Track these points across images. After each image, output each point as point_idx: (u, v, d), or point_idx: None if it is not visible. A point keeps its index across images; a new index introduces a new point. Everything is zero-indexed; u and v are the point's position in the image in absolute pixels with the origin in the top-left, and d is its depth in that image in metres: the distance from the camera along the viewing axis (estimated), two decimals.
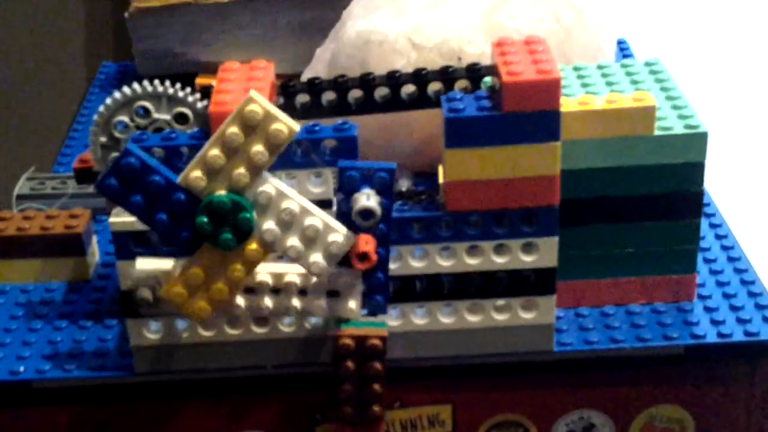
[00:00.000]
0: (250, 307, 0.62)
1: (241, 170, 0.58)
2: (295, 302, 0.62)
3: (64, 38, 1.17)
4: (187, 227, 0.59)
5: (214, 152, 0.58)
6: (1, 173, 1.12)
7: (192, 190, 0.58)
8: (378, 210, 0.60)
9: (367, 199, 0.60)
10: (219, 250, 0.59)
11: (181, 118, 0.68)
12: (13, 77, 1.18)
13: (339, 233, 0.60)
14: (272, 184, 0.59)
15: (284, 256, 0.60)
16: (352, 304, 0.62)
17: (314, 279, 0.61)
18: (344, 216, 0.60)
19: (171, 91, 0.67)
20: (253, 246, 0.59)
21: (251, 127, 0.57)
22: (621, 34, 1.08)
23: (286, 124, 0.57)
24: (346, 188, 0.60)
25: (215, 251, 0.59)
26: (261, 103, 0.57)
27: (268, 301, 0.62)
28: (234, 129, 0.57)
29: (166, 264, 0.61)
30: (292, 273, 0.62)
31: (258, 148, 0.58)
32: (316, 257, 0.60)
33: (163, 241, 0.61)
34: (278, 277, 0.62)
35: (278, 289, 0.62)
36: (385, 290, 0.62)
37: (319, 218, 0.60)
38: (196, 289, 0.60)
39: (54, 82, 1.18)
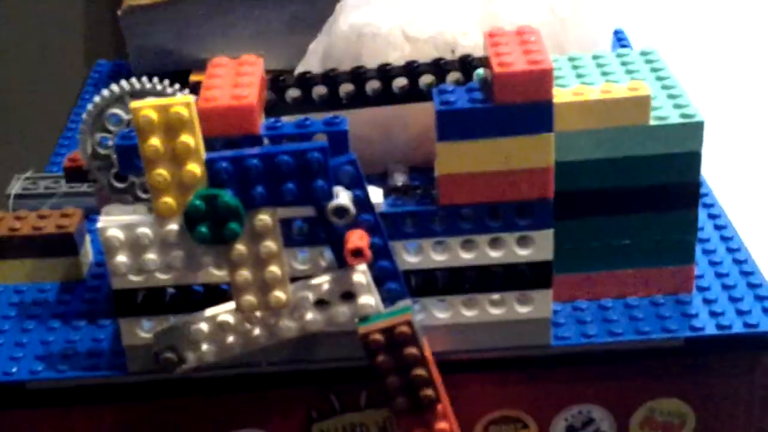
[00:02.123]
0: (274, 332, 0.61)
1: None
2: (315, 316, 0.61)
3: (58, 36, 1.17)
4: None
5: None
6: None
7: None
8: (349, 205, 0.59)
9: (337, 196, 0.59)
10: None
11: None
12: (8, 76, 1.17)
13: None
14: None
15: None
16: (370, 299, 0.61)
17: (324, 288, 0.60)
18: (323, 220, 0.59)
19: (159, 87, 0.67)
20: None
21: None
22: (618, 25, 1.08)
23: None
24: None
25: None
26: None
27: (288, 322, 0.61)
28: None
29: (138, 209, 0.61)
30: (303, 289, 0.61)
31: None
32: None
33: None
34: (296, 299, 0.61)
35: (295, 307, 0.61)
36: (397, 275, 0.61)
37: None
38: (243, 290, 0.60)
39: (49, 81, 1.18)
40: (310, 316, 0.61)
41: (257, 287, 0.60)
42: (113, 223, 0.59)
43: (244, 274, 0.59)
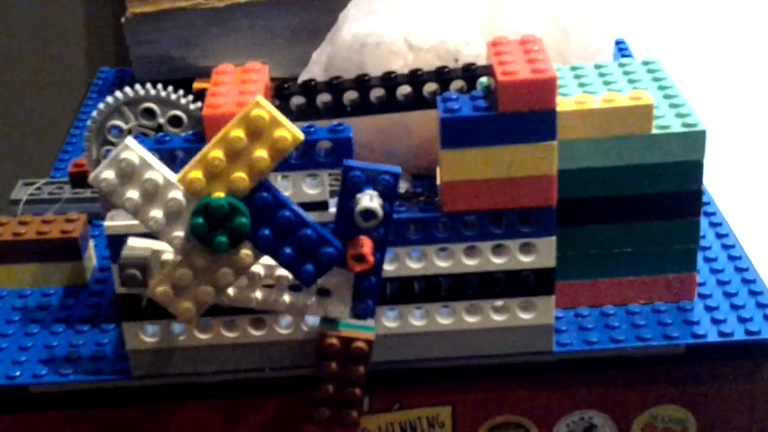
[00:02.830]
0: (239, 297, 0.61)
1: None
2: (285, 297, 0.61)
3: (62, 43, 1.17)
4: (310, 260, 0.59)
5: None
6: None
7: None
8: (380, 212, 0.59)
9: (370, 200, 0.59)
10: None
11: (175, 121, 0.67)
12: (12, 82, 1.18)
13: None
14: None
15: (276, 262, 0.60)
16: (341, 304, 0.61)
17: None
18: (344, 216, 0.60)
19: (163, 94, 0.67)
20: (246, 251, 0.59)
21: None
22: (619, 35, 1.08)
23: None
24: (349, 188, 0.60)
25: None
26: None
27: (258, 293, 0.61)
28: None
29: (156, 245, 0.61)
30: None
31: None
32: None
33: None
34: (271, 269, 0.61)
35: (271, 285, 0.62)
36: (376, 294, 0.62)
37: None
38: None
39: (52, 88, 1.18)
40: (280, 295, 0.61)
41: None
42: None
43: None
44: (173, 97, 0.67)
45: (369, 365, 0.61)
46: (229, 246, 0.58)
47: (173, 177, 0.58)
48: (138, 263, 0.60)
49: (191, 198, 0.58)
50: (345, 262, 0.60)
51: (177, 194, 0.58)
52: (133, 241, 0.61)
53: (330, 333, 0.61)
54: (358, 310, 0.62)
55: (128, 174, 0.57)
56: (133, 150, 0.57)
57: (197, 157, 0.58)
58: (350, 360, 0.61)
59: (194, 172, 0.58)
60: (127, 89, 0.67)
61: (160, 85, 0.67)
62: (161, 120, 0.67)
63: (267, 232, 0.58)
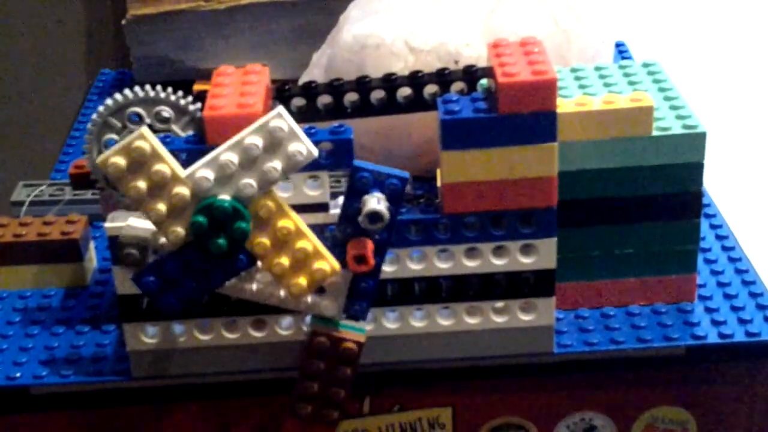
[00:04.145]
0: (233, 287, 0.61)
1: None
2: (280, 291, 0.61)
3: (63, 45, 1.17)
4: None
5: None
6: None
7: (196, 188, 0.58)
8: (386, 215, 0.59)
9: (377, 202, 0.59)
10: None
11: (164, 121, 0.68)
12: (13, 84, 1.18)
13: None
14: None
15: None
16: (334, 303, 0.61)
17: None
18: (349, 216, 0.60)
19: (163, 95, 0.67)
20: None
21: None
22: (620, 37, 1.08)
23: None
24: (357, 189, 0.60)
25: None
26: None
27: (253, 285, 0.61)
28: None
29: (143, 215, 0.60)
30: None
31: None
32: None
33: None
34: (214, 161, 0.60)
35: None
36: (371, 297, 0.62)
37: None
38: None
39: (53, 89, 1.18)
40: (275, 288, 0.61)
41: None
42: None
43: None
44: (173, 98, 0.67)
45: (357, 367, 0.61)
46: (226, 249, 0.58)
47: (182, 173, 0.58)
48: (137, 242, 0.60)
49: (197, 196, 0.58)
50: (344, 261, 0.60)
51: (183, 190, 0.58)
52: (134, 221, 0.61)
53: (321, 331, 0.61)
54: (351, 311, 0.62)
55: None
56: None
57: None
58: (338, 360, 0.61)
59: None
60: (129, 91, 0.67)
61: (160, 87, 0.68)
62: (148, 120, 0.67)
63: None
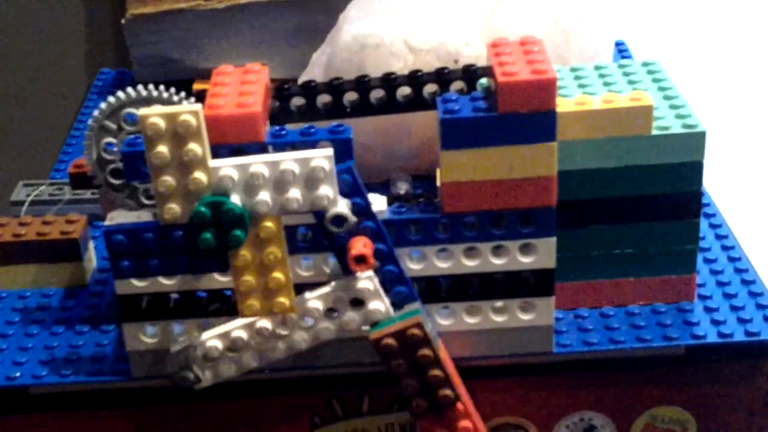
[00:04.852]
0: (287, 343, 0.61)
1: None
2: (329, 325, 0.61)
3: (63, 45, 1.17)
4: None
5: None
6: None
7: (217, 181, 0.58)
8: (347, 213, 0.59)
9: (333, 205, 0.59)
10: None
11: None
12: (12, 84, 1.18)
13: (289, 301, 0.60)
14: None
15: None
16: (379, 305, 0.61)
17: (333, 296, 0.61)
18: (323, 232, 0.60)
19: (165, 95, 0.67)
20: (268, 223, 0.59)
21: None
22: (619, 36, 1.08)
23: (186, 110, 0.57)
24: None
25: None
26: (154, 113, 0.56)
27: (303, 334, 0.61)
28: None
29: (143, 215, 0.61)
30: (312, 298, 0.61)
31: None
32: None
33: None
34: (300, 305, 0.61)
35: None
36: (404, 279, 0.61)
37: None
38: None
39: (53, 89, 1.18)
40: (321, 324, 0.61)
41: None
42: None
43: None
44: (175, 98, 0.67)
45: (431, 343, 0.60)
46: (213, 246, 0.58)
47: (210, 162, 0.58)
48: (186, 366, 0.61)
49: (212, 189, 0.58)
50: (349, 269, 0.60)
51: (202, 177, 0.58)
52: (116, 214, 0.61)
53: (380, 334, 0.60)
54: (394, 300, 0.61)
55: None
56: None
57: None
58: (413, 348, 0.60)
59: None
60: (129, 90, 0.67)
61: (162, 86, 0.68)
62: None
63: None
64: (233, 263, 0.59)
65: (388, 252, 0.61)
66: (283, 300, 0.60)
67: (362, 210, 0.60)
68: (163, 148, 0.57)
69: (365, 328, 0.61)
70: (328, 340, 0.62)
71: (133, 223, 0.60)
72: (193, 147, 0.57)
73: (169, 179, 0.58)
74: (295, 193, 0.58)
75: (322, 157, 0.58)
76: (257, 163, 0.58)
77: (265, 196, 0.58)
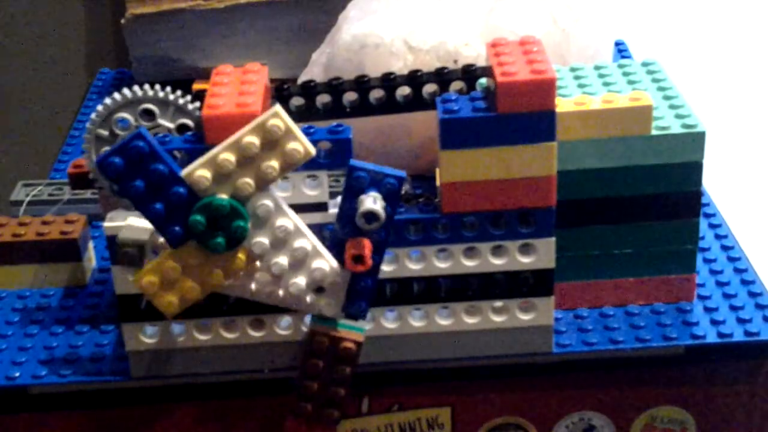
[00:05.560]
0: (233, 286, 0.61)
1: (248, 180, 0.58)
2: (280, 291, 0.61)
3: (63, 45, 1.17)
4: (180, 222, 0.59)
5: (226, 156, 0.58)
6: None
7: (194, 187, 0.58)
8: (382, 215, 0.59)
9: (374, 202, 0.59)
10: (203, 251, 0.59)
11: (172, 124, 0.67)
12: (12, 83, 1.18)
13: (325, 261, 0.60)
14: (274, 199, 0.59)
15: (268, 270, 0.60)
16: (334, 303, 0.61)
17: (310, 267, 0.60)
18: (346, 215, 0.60)
19: (171, 97, 0.67)
20: (240, 255, 0.59)
21: (269, 140, 0.57)
22: (619, 36, 1.08)
23: (304, 146, 0.58)
24: (353, 188, 0.60)
25: (200, 251, 0.59)
26: (284, 118, 0.57)
27: (253, 285, 0.61)
28: (252, 138, 0.57)
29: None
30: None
31: (271, 162, 0.57)
32: (299, 280, 0.60)
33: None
34: (269, 262, 0.60)
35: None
36: (370, 297, 0.62)
37: (309, 242, 0.60)
38: (170, 282, 0.60)
39: (52, 89, 1.18)
40: (275, 287, 0.61)
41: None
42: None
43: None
44: (171, 97, 0.67)
45: (356, 366, 0.62)
46: (225, 248, 0.58)
47: (181, 172, 0.58)
48: (136, 243, 0.60)
49: (197, 194, 0.58)
50: (342, 261, 0.60)
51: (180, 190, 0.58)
52: (133, 221, 0.61)
53: (320, 331, 0.61)
54: (350, 311, 0.62)
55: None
56: (281, 118, 0.57)
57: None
58: (337, 359, 0.61)
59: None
60: (128, 90, 0.67)
61: (159, 86, 0.67)
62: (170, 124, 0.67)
63: (140, 183, 0.58)
64: (183, 248, 0.59)
65: (376, 266, 0.61)
66: (319, 265, 0.60)
67: (387, 219, 0.60)
68: (254, 140, 0.57)
69: (307, 322, 0.62)
70: (263, 299, 0.61)
71: (120, 143, 0.59)
72: (274, 165, 0.58)
73: (229, 158, 0.57)
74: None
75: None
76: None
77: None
